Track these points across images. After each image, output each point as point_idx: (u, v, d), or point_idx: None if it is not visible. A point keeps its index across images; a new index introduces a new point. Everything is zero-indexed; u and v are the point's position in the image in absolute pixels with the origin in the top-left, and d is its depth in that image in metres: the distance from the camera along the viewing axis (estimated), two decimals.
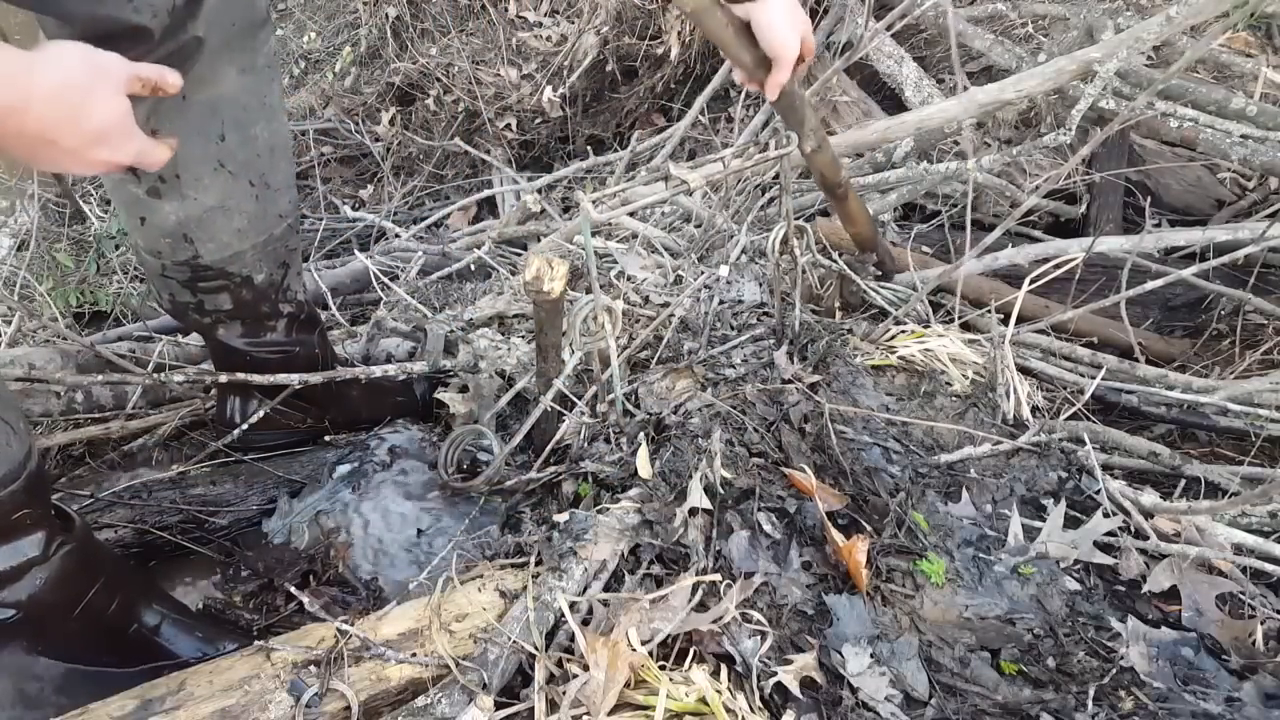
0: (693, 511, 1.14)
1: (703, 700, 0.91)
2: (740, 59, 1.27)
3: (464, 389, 1.56)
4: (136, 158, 0.86)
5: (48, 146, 0.77)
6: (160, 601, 1.15)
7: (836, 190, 1.61)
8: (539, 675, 0.93)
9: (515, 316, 1.82)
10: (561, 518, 1.14)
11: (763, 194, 2.26)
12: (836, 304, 1.83)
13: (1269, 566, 1.19)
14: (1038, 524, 1.24)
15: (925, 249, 2.23)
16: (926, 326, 1.68)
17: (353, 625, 0.97)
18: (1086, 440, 1.40)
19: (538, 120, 3.52)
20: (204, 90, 1.07)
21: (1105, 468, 1.44)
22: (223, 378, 1.37)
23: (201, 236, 1.19)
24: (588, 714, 0.89)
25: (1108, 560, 1.21)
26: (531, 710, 0.90)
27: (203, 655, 1.09)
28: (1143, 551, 1.22)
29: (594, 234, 2.19)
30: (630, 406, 1.38)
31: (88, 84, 0.78)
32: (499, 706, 0.91)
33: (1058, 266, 1.63)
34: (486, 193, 3.21)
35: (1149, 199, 2.33)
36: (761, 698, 0.95)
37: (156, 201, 1.14)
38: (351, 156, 3.87)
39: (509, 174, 3.35)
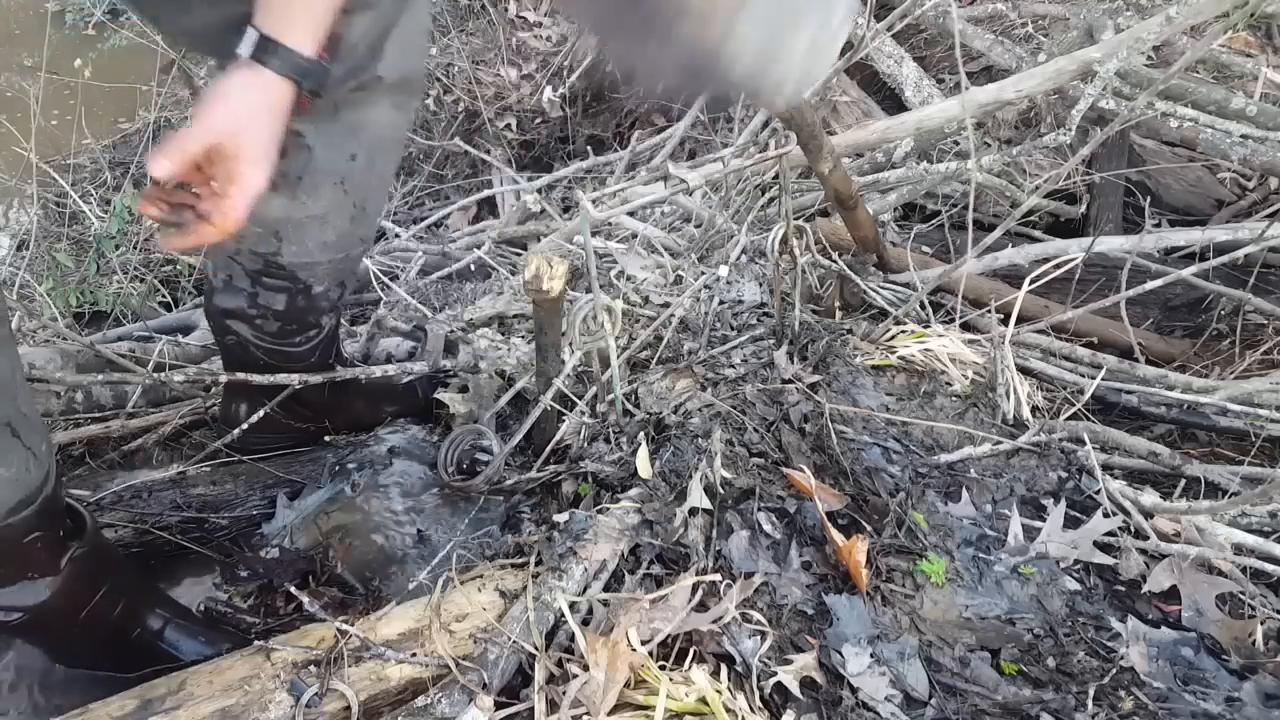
0: (693, 511, 1.14)
1: (703, 700, 0.91)
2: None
3: (464, 389, 1.56)
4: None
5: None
6: (164, 605, 1.14)
7: (848, 203, 1.62)
8: (539, 675, 0.93)
9: (515, 316, 1.82)
10: (561, 518, 1.14)
11: (763, 194, 2.26)
12: (836, 304, 1.83)
13: (1269, 566, 1.19)
14: (1038, 524, 1.24)
15: (925, 249, 2.23)
16: (926, 326, 1.68)
17: (353, 625, 0.97)
18: (1086, 440, 1.40)
19: (538, 120, 3.52)
20: (356, 111, 1.11)
21: (1105, 468, 1.44)
22: (223, 378, 1.37)
23: (291, 238, 1.20)
24: (588, 714, 0.89)
25: (1108, 560, 1.21)
26: (531, 710, 0.90)
27: (204, 659, 1.08)
28: (1143, 551, 1.22)
29: (594, 234, 2.19)
30: (630, 406, 1.38)
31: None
32: (499, 706, 0.91)
33: (1058, 266, 1.63)
34: (486, 193, 3.22)
35: (1149, 199, 2.33)
36: (761, 698, 0.95)
37: (269, 193, 1.14)
38: None
39: (509, 174, 3.35)
